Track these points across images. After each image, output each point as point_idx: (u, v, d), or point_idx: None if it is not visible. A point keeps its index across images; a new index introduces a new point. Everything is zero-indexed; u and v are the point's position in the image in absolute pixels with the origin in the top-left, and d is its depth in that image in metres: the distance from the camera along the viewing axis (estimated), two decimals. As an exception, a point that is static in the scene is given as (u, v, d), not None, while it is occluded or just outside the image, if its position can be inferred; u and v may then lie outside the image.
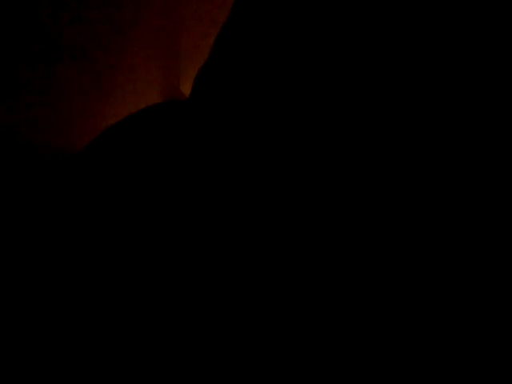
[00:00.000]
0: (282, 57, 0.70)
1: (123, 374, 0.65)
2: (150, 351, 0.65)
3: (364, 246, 0.65)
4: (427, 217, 0.66)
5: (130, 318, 0.66)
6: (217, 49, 0.78)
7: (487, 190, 0.66)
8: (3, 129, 1.32)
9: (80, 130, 1.35)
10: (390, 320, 0.64)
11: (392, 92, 0.67)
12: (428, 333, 0.64)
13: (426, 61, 0.67)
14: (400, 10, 0.68)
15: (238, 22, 0.76)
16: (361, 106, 0.68)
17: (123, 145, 0.73)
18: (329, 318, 0.64)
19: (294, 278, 0.65)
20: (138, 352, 0.65)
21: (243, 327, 0.65)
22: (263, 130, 0.70)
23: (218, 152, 0.70)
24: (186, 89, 1.40)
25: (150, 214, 0.68)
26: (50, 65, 1.36)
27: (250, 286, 0.65)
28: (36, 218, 0.73)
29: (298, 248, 0.66)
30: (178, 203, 0.68)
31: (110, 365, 0.66)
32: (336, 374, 0.64)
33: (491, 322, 0.64)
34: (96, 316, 0.67)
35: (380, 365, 0.63)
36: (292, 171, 0.68)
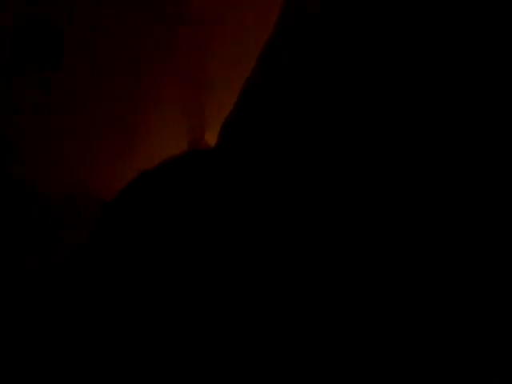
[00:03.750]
0: (309, 112, 0.71)
1: (123, 373, 0.65)
2: (150, 351, 0.65)
3: (364, 246, 0.65)
4: (427, 217, 0.65)
5: (130, 318, 0.67)
6: (242, 100, 0.79)
7: (487, 190, 0.65)
8: (25, 183, 1.33)
9: (106, 179, 1.35)
10: (390, 320, 0.64)
11: (393, 94, 0.67)
12: (428, 333, 0.64)
13: (426, 62, 0.67)
14: (401, 12, 0.68)
15: (263, 75, 0.77)
16: (362, 109, 0.68)
17: (158, 191, 0.74)
18: (329, 317, 0.64)
19: (294, 278, 0.65)
20: (138, 352, 0.65)
21: (243, 327, 0.65)
22: (283, 176, 0.70)
23: (242, 202, 0.71)
24: (211, 139, 1.41)
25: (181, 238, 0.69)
26: (76, 114, 1.37)
27: (251, 286, 0.65)
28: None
29: (299, 248, 0.66)
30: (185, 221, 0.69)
31: (110, 365, 0.66)
32: (336, 374, 0.63)
33: (491, 321, 0.64)
34: (96, 316, 0.68)
35: (380, 365, 0.63)
36: (292, 172, 0.69)
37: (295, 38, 0.75)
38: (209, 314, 0.66)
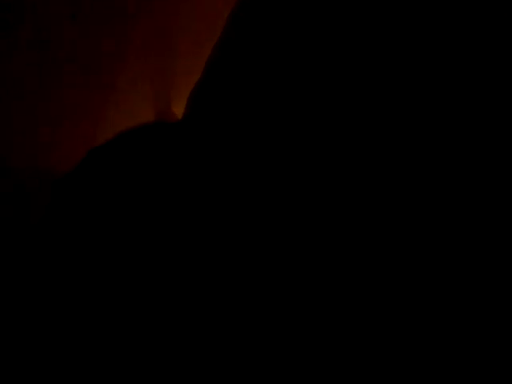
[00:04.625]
0: (276, 76, 0.71)
1: (123, 373, 0.65)
2: (150, 351, 0.65)
3: (364, 246, 0.65)
4: (427, 217, 0.65)
5: (130, 318, 0.66)
6: (209, 69, 0.78)
7: (487, 190, 0.66)
8: None
9: (69, 150, 1.34)
10: (390, 320, 0.64)
11: (392, 92, 0.67)
12: (428, 333, 0.64)
13: (425, 61, 0.67)
14: (400, 11, 0.68)
15: (230, 42, 0.76)
16: (361, 108, 0.68)
17: (112, 164, 0.72)
18: (329, 317, 0.64)
19: (294, 278, 0.65)
20: (138, 352, 0.65)
21: (243, 327, 0.65)
22: (258, 149, 0.70)
23: (214, 170, 0.70)
24: (178, 109, 1.40)
25: (148, 219, 0.69)
26: (41, 83, 1.35)
27: (250, 286, 0.65)
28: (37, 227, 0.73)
29: (298, 248, 0.66)
30: (175, 209, 0.68)
31: (110, 365, 0.66)
32: (336, 374, 0.64)
33: (491, 321, 0.64)
34: (96, 316, 0.67)
35: (380, 365, 0.64)
36: (291, 172, 0.68)
37: (266, 5, 0.73)
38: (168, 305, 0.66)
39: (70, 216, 0.71)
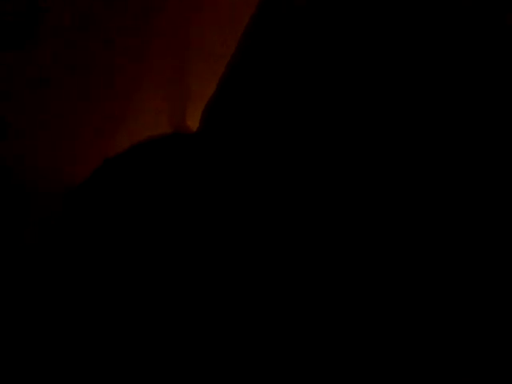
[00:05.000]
0: (288, 91, 0.71)
1: (123, 374, 0.65)
2: (149, 351, 0.65)
3: (364, 246, 0.65)
4: (427, 217, 0.65)
5: (129, 318, 0.66)
6: (223, 84, 0.78)
7: (487, 190, 0.66)
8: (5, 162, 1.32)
9: (84, 162, 1.34)
10: (390, 320, 0.64)
11: (392, 92, 0.67)
12: (428, 333, 0.64)
13: (425, 61, 0.67)
14: (400, 11, 0.68)
15: (244, 58, 0.77)
16: (361, 107, 0.68)
17: (125, 175, 0.73)
18: (329, 317, 0.64)
19: (293, 278, 0.65)
20: (137, 352, 0.65)
21: (243, 327, 0.65)
22: (269, 158, 0.70)
23: (223, 180, 0.70)
24: (193, 123, 1.40)
25: (159, 230, 0.69)
26: (50, 100, 1.36)
27: (250, 286, 0.65)
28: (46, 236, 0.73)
29: (298, 248, 0.66)
30: (187, 220, 0.69)
31: (110, 365, 0.66)
32: (336, 374, 0.63)
33: (491, 322, 0.64)
34: (96, 316, 0.67)
35: (380, 365, 0.63)
36: (291, 172, 0.68)
37: (279, 22, 0.74)
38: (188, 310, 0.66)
39: (80, 226, 0.71)
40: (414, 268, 0.65)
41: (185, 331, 0.65)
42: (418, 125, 0.67)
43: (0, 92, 1.33)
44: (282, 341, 0.64)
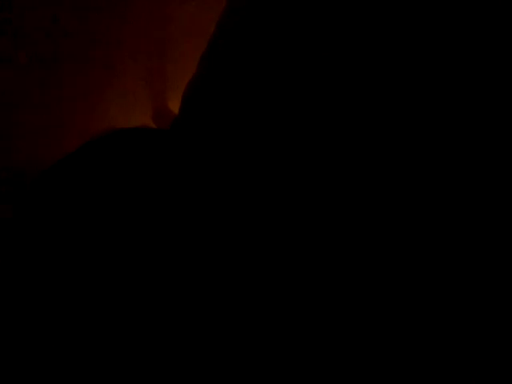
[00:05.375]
0: (271, 73, 0.70)
1: (123, 374, 0.66)
2: (149, 351, 0.65)
3: (364, 246, 0.65)
4: (427, 217, 0.66)
5: (129, 318, 0.66)
6: (203, 64, 0.76)
7: (487, 190, 0.66)
8: None
9: (61, 146, 1.33)
10: (390, 320, 0.64)
11: (392, 92, 0.67)
12: (428, 333, 0.64)
13: (425, 61, 0.67)
14: (400, 10, 0.68)
15: (225, 36, 0.75)
16: (361, 107, 0.68)
17: (77, 176, 0.72)
18: (329, 318, 0.64)
19: (293, 278, 0.65)
20: (137, 352, 0.65)
21: (243, 327, 0.65)
22: (258, 143, 0.69)
23: (213, 169, 0.70)
24: (175, 106, 1.40)
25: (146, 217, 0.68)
26: (32, 78, 1.35)
27: (250, 286, 0.66)
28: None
29: (298, 248, 0.66)
30: (170, 209, 0.68)
31: (110, 365, 0.66)
32: (336, 374, 0.64)
33: (491, 322, 0.65)
34: (96, 316, 0.67)
35: (380, 365, 0.64)
36: (291, 172, 0.68)
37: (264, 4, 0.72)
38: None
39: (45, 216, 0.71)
40: (414, 268, 0.65)
41: (183, 331, 0.65)
42: (418, 125, 0.66)
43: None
44: (281, 341, 0.64)
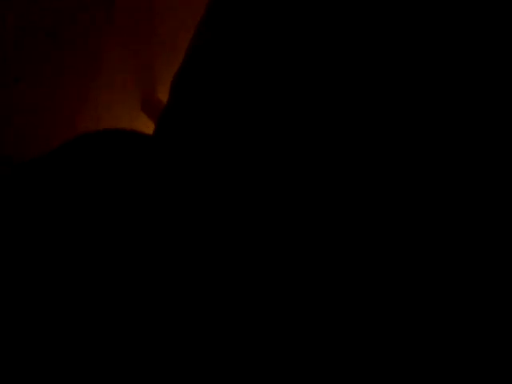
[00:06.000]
0: (261, 62, 0.69)
1: (123, 374, 0.66)
2: (149, 351, 0.65)
3: (364, 246, 0.65)
4: (427, 217, 0.65)
5: (129, 318, 0.66)
6: (190, 55, 0.76)
7: (487, 191, 0.65)
8: None
9: (47, 138, 1.33)
10: (390, 320, 0.64)
11: (392, 92, 0.67)
12: (428, 333, 0.64)
13: (426, 61, 0.67)
14: (400, 10, 0.67)
15: (213, 22, 0.75)
16: (361, 107, 0.67)
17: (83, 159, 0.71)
18: (329, 318, 0.64)
19: (293, 278, 0.65)
20: (137, 352, 0.65)
21: (243, 327, 0.65)
22: (253, 132, 0.68)
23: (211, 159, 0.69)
24: (164, 96, 1.39)
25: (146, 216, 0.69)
26: (16, 71, 1.34)
27: (250, 286, 0.65)
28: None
29: (298, 248, 0.66)
30: (174, 205, 0.68)
31: (110, 365, 0.66)
32: (336, 374, 0.64)
33: (491, 322, 0.64)
34: (95, 316, 0.67)
35: (380, 365, 0.64)
36: (290, 172, 0.67)
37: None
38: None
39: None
40: (414, 268, 0.64)
41: (183, 331, 0.65)
42: (418, 125, 0.66)
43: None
44: (281, 341, 0.64)
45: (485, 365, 0.63)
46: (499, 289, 0.63)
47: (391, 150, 0.65)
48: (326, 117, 0.67)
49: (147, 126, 1.40)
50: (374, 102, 0.66)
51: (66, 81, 1.36)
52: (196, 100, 0.72)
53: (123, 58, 1.40)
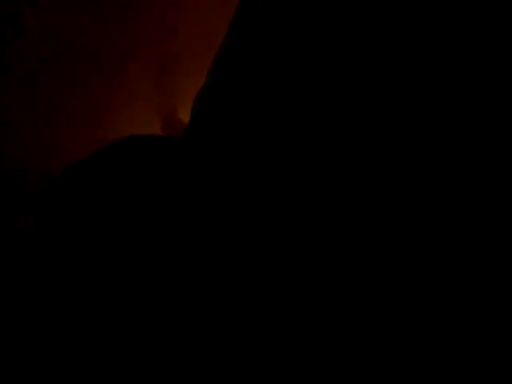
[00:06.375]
0: (279, 80, 0.70)
1: (123, 373, 0.65)
2: (149, 351, 0.65)
3: (364, 247, 0.65)
4: (427, 217, 0.65)
5: (130, 318, 0.66)
6: (213, 75, 0.77)
7: (487, 191, 0.65)
8: None
9: (72, 152, 1.33)
10: (390, 320, 0.64)
11: (392, 92, 0.67)
12: (428, 333, 0.64)
13: (426, 61, 0.67)
14: (400, 11, 0.68)
15: (235, 45, 0.76)
16: (361, 108, 0.67)
17: (113, 167, 0.72)
18: (329, 317, 0.64)
19: (293, 278, 0.65)
20: (137, 352, 0.65)
21: (243, 327, 0.65)
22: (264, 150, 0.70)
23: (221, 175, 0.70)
24: (184, 114, 1.39)
25: (148, 222, 0.69)
26: (42, 87, 1.35)
27: (250, 286, 0.65)
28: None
29: (298, 248, 0.66)
30: (178, 211, 0.69)
31: (110, 365, 0.66)
32: (336, 374, 0.63)
33: (491, 322, 0.64)
34: (96, 316, 0.67)
35: (380, 365, 0.63)
36: (292, 173, 0.68)
37: (267, 14, 0.73)
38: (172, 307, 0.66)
39: (66, 217, 0.71)
40: (414, 268, 0.65)
41: (184, 331, 0.66)
42: (417, 125, 0.67)
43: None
44: (281, 341, 0.64)
45: (484, 364, 0.63)
46: (499, 289, 0.63)
47: (391, 151, 0.66)
48: (326, 117, 0.68)
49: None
50: (374, 103, 0.67)
51: (87, 96, 1.37)
52: (217, 117, 0.73)
53: (144, 75, 1.40)
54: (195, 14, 1.39)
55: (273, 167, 0.68)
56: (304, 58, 0.69)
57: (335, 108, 0.68)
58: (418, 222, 0.65)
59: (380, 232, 0.65)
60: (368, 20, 0.68)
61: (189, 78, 1.38)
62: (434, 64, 0.67)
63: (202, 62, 0.84)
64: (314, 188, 0.67)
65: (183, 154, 0.72)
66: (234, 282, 0.66)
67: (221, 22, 0.83)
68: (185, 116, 1.37)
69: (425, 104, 0.67)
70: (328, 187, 0.67)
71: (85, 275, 0.69)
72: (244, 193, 0.68)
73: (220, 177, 0.69)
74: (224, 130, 0.72)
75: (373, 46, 0.68)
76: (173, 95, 1.42)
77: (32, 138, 1.34)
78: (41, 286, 0.70)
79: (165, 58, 1.42)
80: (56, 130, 1.35)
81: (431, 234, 0.65)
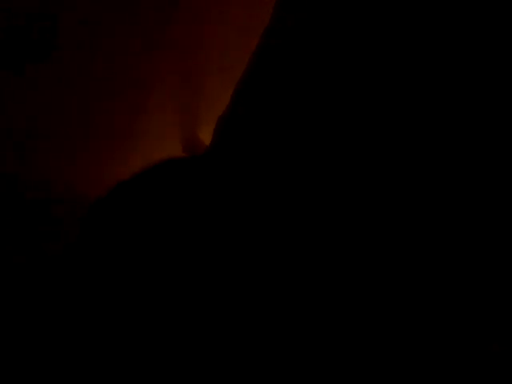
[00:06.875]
0: (302, 108, 0.70)
1: (123, 373, 0.65)
2: (150, 351, 0.65)
3: (364, 247, 0.65)
4: (427, 217, 0.65)
5: (130, 318, 0.67)
6: (237, 98, 0.77)
7: (487, 190, 0.66)
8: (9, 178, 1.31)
9: (93, 176, 1.34)
10: (390, 320, 0.64)
11: (393, 93, 0.67)
12: (428, 332, 0.64)
13: (426, 61, 0.67)
14: (400, 11, 0.68)
15: (258, 73, 0.76)
16: (362, 109, 0.68)
17: (136, 202, 0.73)
18: (329, 317, 0.64)
19: (294, 278, 0.65)
20: (137, 352, 0.65)
21: (243, 327, 0.65)
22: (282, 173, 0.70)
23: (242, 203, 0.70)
24: (205, 136, 1.40)
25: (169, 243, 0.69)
26: (63, 112, 1.36)
27: (251, 286, 0.65)
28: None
29: (299, 249, 0.66)
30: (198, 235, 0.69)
31: (110, 365, 0.66)
32: (336, 374, 0.63)
33: (491, 321, 0.64)
34: (97, 316, 0.67)
35: (380, 365, 0.63)
36: (293, 173, 0.68)
37: (289, 33, 0.73)
38: (205, 315, 0.66)
39: (97, 243, 0.72)
40: (414, 268, 0.65)
41: (184, 331, 0.65)
42: (417, 125, 0.66)
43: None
44: (281, 341, 0.64)
45: (484, 364, 0.62)
46: (498, 289, 0.63)
47: (391, 151, 0.66)
48: (326, 117, 0.67)
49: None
50: (375, 103, 0.66)
51: (109, 121, 1.37)
52: (240, 141, 0.74)
53: (167, 98, 1.41)
54: (219, 36, 1.40)
55: (300, 190, 0.68)
56: (334, 81, 0.69)
57: (362, 131, 0.68)
58: (418, 222, 0.65)
59: (380, 232, 0.65)
60: (365, 21, 0.68)
61: (211, 100, 1.39)
62: (438, 67, 0.67)
63: (226, 84, 0.84)
64: (315, 189, 0.67)
65: (207, 174, 0.73)
66: (234, 282, 0.66)
67: (246, 44, 0.84)
68: (206, 139, 1.37)
69: (425, 105, 0.67)
70: (334, 190, 0.67)
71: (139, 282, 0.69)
72: (269, 212, 0.68)
73: (243, 202, 0.70)
74: (249, 152, 0.72)
75: (371, 46, 0.68)
76: (195, 118, 1.43)
77: (57, 167, 1.35)
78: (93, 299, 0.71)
79: (187, 80, 1.43)
80: (79, 154, 1.36)
81: (431, 234, 0.65)
